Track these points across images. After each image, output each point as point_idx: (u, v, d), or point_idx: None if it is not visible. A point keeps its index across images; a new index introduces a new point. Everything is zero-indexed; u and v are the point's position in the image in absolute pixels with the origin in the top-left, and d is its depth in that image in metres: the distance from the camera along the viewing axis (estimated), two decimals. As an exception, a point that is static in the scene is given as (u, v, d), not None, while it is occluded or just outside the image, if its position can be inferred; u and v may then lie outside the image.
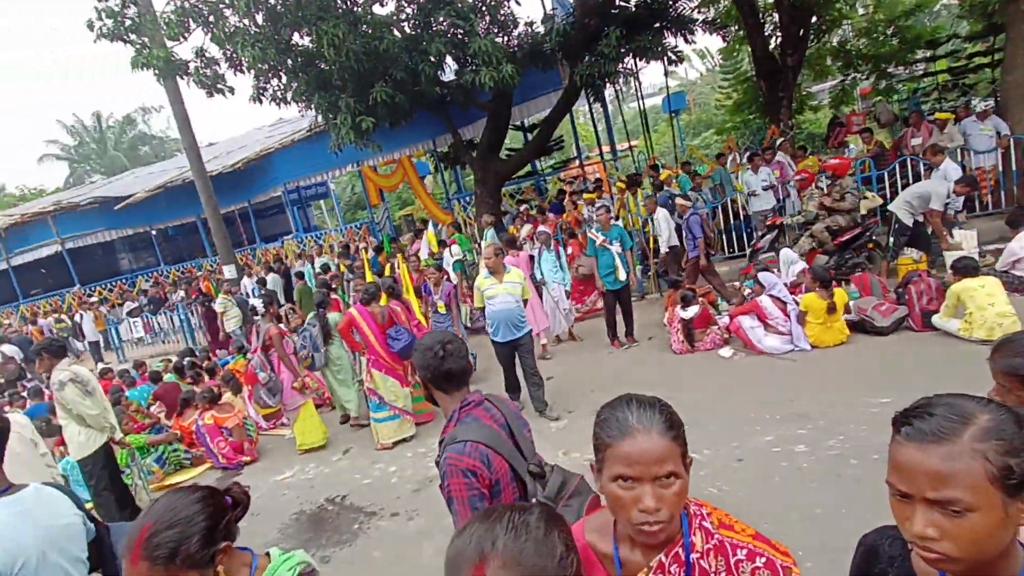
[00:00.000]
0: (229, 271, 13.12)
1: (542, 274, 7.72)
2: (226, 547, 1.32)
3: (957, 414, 0.94)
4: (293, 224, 17.81)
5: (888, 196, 8.00)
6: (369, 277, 8.63)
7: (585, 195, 10.44)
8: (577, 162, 15.84)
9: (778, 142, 10.05)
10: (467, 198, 14.95)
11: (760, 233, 8.58)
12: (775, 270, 7.06)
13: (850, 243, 7.37)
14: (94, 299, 17.40)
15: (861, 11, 15.58)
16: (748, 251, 8.51)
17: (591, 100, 13.08)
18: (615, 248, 6.86)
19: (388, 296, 6.31)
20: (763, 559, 1.13)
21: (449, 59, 9.60)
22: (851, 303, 6.05)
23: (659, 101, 19.53)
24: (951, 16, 16.88)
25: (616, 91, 13.53)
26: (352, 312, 5.91)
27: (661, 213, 8.31)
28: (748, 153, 10.11)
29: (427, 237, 11.21)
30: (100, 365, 12.27)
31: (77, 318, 15.23)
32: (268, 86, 9.86)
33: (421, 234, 11.79)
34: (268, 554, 1.44)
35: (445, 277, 7.39)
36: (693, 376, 5.90)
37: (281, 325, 6.60)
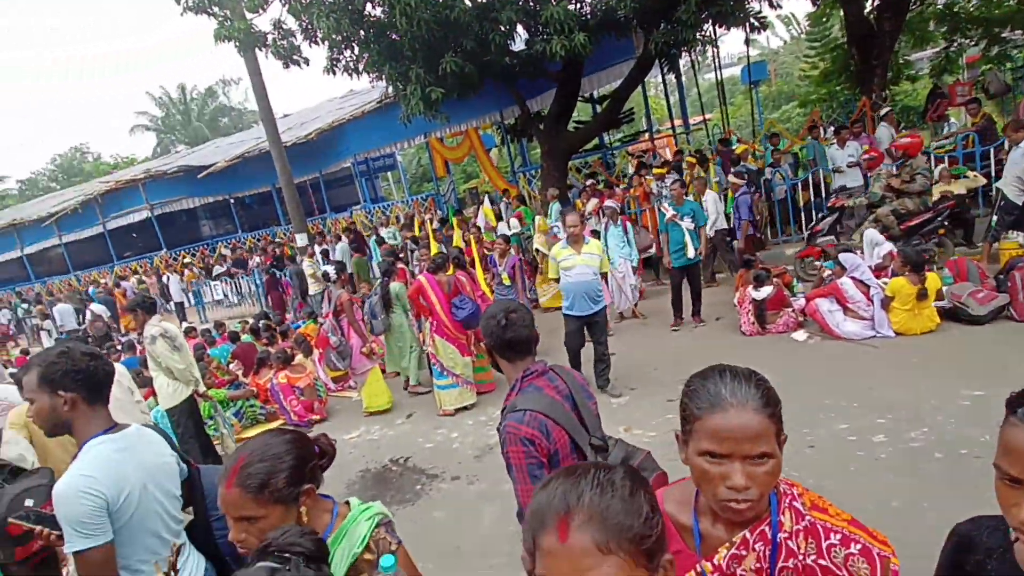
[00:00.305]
0: (301, 239, 13.66)
1: (607, 249, 7.58)
2: (309, 489, 1.39)
3: None
4: (361, 195, 18.27)
5: (994, 174, 7.31)
6: (434, 248, 8.76)
7: (654, 170, 10.12)
8: (647, 135, 15.35)
9: (883, 111, 9.28)
10: (532, 171, 14.84)
11: (820, 215, 8.09)
12: (857, 251, 6.64)
13: (918, 228, 6.79)
14: (188, 261, 18.56)
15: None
16: (806, 233, 8.03)
17: (665, 70, 12.59)
18: (686, 224, 6.63)
19: (455, 266, 6.38)
20: (859, 546, 1.06)
21: (520, 28, 9.44)
22: (944, 289, 5.62)
23: (737, 72, 18.58)
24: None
25: (692, 61, 12.95)
26: (420, 279, 6.02)
27: (710, 196, 8.05)
28: (834, 127, 9.46)
29: (483, 211, 11.23)
30: (184, 324, 13.16)
31: (164, 279, 16.36)
32: (341, 57, 10.04)
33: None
34: (348, 503, 1.49)
35: (512, 249, 7.39)
36: (763, 359, 5.66)
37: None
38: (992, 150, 7.62)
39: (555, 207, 9.94)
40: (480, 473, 4.61)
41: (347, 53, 10.05)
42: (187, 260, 18.48)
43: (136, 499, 1.85)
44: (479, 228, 9.90)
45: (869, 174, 7.51)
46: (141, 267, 20.18)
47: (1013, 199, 6.16)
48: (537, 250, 9.19)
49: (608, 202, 8.48)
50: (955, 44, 13.53)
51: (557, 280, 5.56)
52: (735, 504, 1.04)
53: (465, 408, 5.94)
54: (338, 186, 21.62)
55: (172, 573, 1.77)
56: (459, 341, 5.95)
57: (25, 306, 19.03)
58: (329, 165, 17.14)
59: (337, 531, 1.41)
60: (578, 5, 9.68)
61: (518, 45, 10.20)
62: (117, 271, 20.00)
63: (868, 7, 11.17)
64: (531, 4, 8.94)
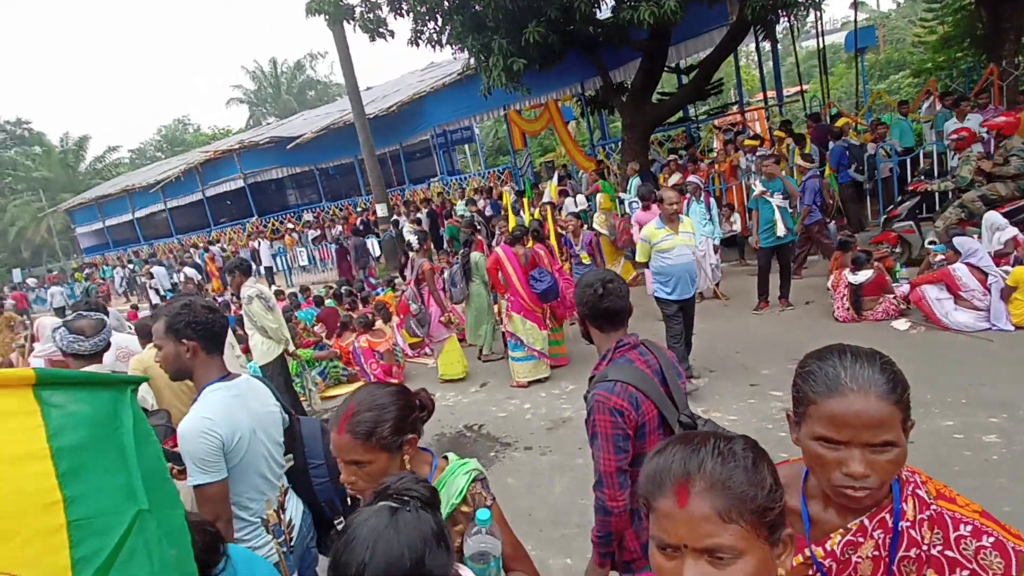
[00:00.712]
0: (381, 209, 14.09)
1: (689, 227, 7.33)
2: (412, 439, 1.46)
3: None
4: (439, 167, 18.56)
5: None
6: (512, 221, 8.78)
7: (747, 141, 9.61)
8: (735, 108, 14.56)
9: None
10: (611, 144, 14.49)
11: (899, 198, 7.44)
12: (975, 235, 6.05)
13: (1010, 216, 6.06)
14: (290, 226, 19.52)
15: None
16: (882, 218, 7.41)
17: (759, 38, 11.82)
18: (776, 200, 6.28)
19: (533, 239, 6.37)
20: (991, 539, 0.99)
21: (606, -6, 9.15)
22: (1078, 281, 5.03)
23: (839, 38, 17.21)
24: None
25: (791, 26, 12.05)
26: (498, 251, 6.06)
27: None
28: (953, 98, 8.56)
29: (549, 187, 11.01)
30: (272, 288, 13.98)
31: (255, 244, 17.40)
32: (425, 29, 10.13)
33: (564, 181, 11.66)
34: (447, 458, 1.54)
35: (584, 226, 7.27)
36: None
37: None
38: None
39: (635, 182, 9.69)
40: (553, 445, 4.64)
41: (431, 25, 10.12)
42: (290, 226, 19.35)
43: (247, 442, 1.99)
44: (552, 204, 9.80)
45: (957, 155, 6.82)
46: (235, 232, 21.57)
47: None
48: (595, 228, 8.94)
49: (691, 177, 8.17)
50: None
51: (645, 264, 5.14)
52: (852, 491, 0.99)
53: (538, 380, 5.98)
54: (417, 158, 22.04)
55: (280, 511, 1.91)
56: (536, 315, 5.95)
57: (131, 265, 20.89)
58: (409, 137, 17.47)
59: (436, 482, 1.46)
60: (669, -31, 9.21)
61: (603, 13, 9.89)
62: (214, 235, 21.47)
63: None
64: (619, -30, 8.62)
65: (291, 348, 5.67)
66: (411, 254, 6.97)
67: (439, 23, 9.99)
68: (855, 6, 12.05)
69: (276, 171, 20.84)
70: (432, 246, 7.44)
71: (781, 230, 6.29)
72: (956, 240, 5.49)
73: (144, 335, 3.94)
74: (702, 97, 12.74)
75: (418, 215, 13.20)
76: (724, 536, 0.80)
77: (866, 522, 1.05)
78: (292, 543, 2.01)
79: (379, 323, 7.81)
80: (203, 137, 40.30)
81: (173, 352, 2.00)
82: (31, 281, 26.28)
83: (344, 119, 17.14)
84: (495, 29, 9.09)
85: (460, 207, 13.54)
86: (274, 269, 16.88)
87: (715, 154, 11.18)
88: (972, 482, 3.28)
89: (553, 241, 7.47)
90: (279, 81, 40.59)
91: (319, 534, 2.28)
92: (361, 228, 15.02)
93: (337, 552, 0.97)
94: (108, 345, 3.05)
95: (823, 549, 1.07)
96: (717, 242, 7.36)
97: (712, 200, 7.43)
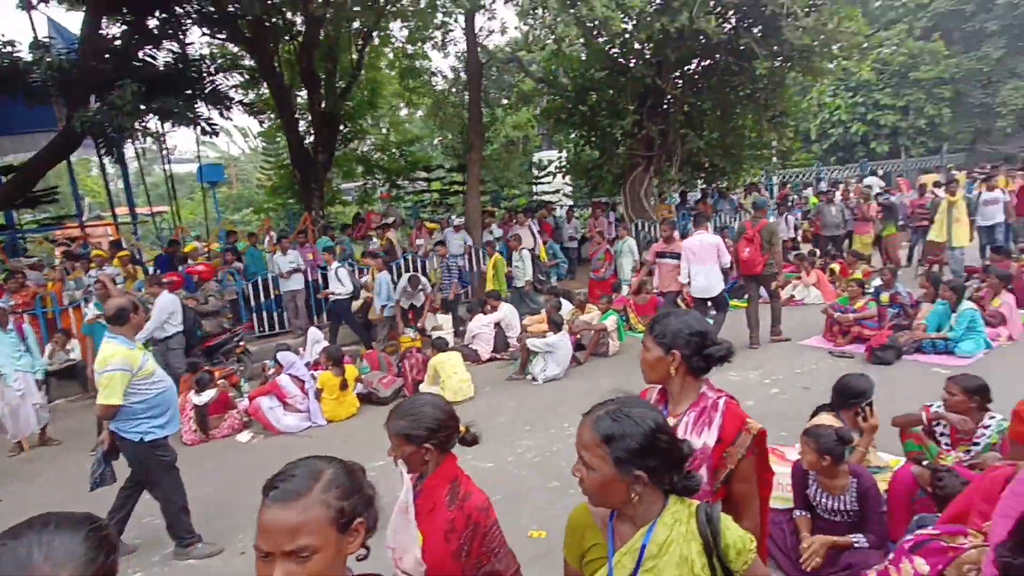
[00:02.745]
0: None
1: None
2: None
3: (311, 471, 1.12)
4: None
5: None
6: None
7: (95, 252, 8.66)
8: (78, 221, 12.92)
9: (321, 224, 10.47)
10: None
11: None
12: (300, 349, 7.34)
13: (217, 349, 7.51)
14: None
15: (383, 129, 18.62)
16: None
17: (101, 153, 11.13)
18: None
19: None
20: None
21: None
22: (363, 377, 6.78)
23: (195, 167, 18.32)
24: (438, 151, 21.95)
25: (136, 150, 11.92)
26: None
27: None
28: (277, 235, 10.37)
29: None
30: None
31: None
32: None
33: None
34: None
35: None
36: (206, 468, 5.37)
37: None
38: (393, 266, 9.90)
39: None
40: None
41: None
42: None
43: None
44: None
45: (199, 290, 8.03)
46: None
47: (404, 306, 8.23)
48: None
49: (2, 300, 6.64)
50: (370, 182, 17.43)
51: (115, 409, 3.69)
52: None
53: None
54: None
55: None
56: None
57: None
58: None
59: None
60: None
61: None
62: None
63: (308, 139, 13.05)
64: None
65: None
66: None
67: None
68: (199, 144, 13.17)
69: None
70: None
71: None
72: (280, 355, 6.48)
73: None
74: (28, 204, 10.76)
75: None
76: None
77: None
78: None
79: None
80: None
81: None
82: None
83: None
84: None
85: None
86: None
87: (51, 270, 9.56)
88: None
89: None
90: None
91: None
92: None
93: None
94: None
95: None
96: (41, 376, 6.13)
97: (27, 326, 6.18)
